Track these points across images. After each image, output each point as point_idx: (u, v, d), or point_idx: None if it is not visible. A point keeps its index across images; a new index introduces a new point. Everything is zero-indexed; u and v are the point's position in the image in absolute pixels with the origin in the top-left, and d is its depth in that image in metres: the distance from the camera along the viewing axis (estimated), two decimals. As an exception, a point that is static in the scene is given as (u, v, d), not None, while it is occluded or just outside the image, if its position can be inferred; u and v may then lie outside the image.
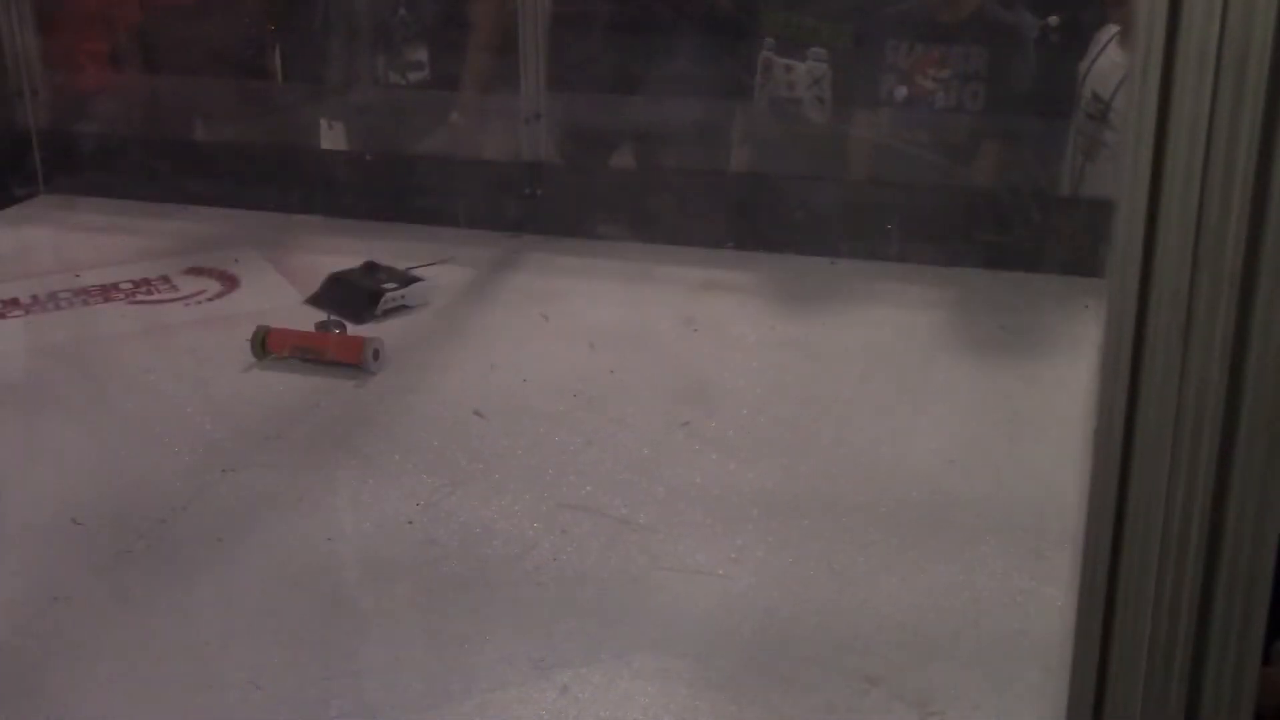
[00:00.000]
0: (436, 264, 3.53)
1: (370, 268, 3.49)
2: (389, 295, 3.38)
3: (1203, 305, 0.68)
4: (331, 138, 4.34)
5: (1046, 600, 2.18)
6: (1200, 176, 0.67)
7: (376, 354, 3.11)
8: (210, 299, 3.56)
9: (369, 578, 2.31)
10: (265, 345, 3.11)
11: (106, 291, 3.59)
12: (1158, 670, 0.74)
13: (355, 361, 3.09)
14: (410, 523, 2.46)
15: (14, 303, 3.52)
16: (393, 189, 4.05)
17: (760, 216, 3.82)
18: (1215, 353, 0.68)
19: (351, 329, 3.25)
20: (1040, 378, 3.01)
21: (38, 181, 4.41)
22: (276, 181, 4.19)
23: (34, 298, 3.55)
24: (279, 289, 3.62)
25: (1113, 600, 0.74)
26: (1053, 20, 3.62)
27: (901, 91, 3.64)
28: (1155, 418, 0.71)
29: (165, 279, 3.69)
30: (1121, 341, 0.70)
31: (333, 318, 3.30)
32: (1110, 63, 3.62)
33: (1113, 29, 3.69)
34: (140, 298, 3.57)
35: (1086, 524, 0.76)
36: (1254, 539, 0.70)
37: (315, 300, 3.44)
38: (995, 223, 3.54)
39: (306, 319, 3.33)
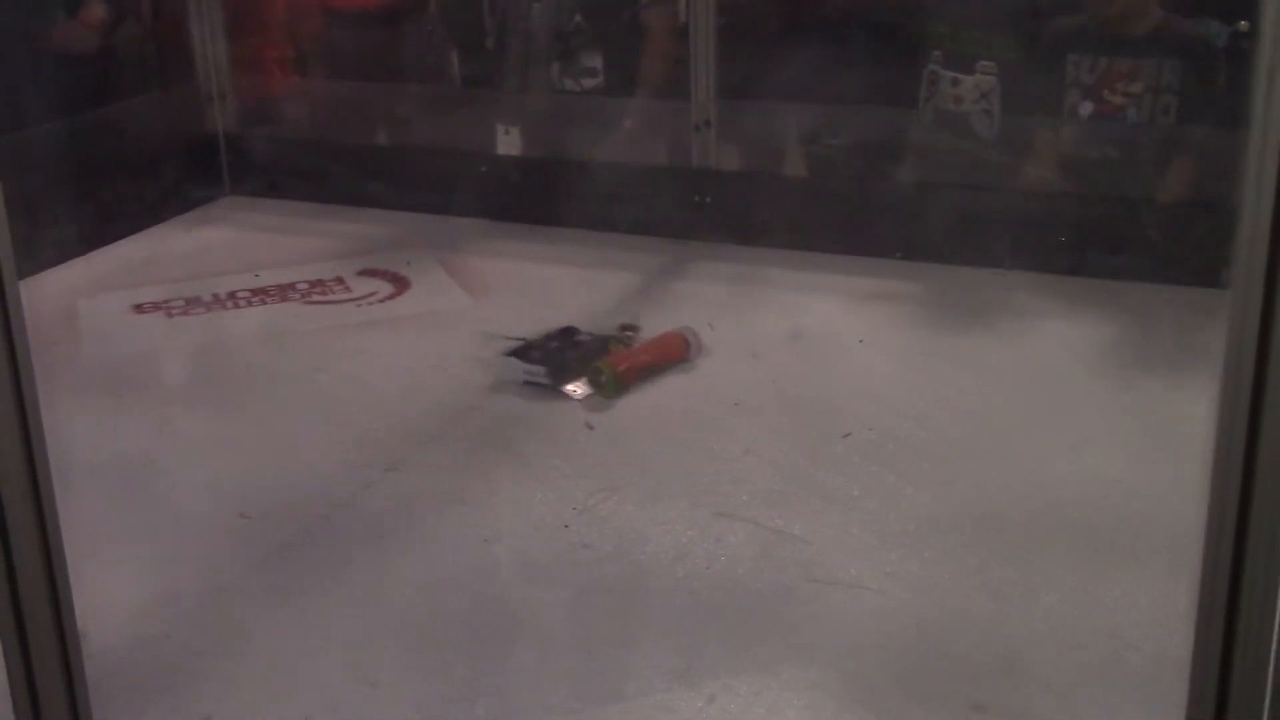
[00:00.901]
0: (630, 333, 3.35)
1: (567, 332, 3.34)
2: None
3: None
4: (507, 143, 4.40)
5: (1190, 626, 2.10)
6: None
7: (691, 344, 3.16)
8: (382, 300, 3.64)
9: (523, 580, 2.34)
10: (617, 384, 3.02)
11: (284, 291, 3.70)
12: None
13: (684, 358, 3.15)
14: (566, 526, 2.47)
15: (196, 301, 3.64)
16: (564, 194, 4.09)
17: (928, 227, 3.76)
18: None
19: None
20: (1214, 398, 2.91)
21: (223, 183, 4.55)
22: (452, 186, 4.25)
23: (214, 296, 3.66)
24: (449, 291, 3.68)
25: (1233, 622, 0.71)
26: (1243, 25, 3.49)
27: (1088, 107, 3.55)
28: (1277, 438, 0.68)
29: (340, 280, 3.78)
30: (1243, 361, 0.67)
31: (624, 328, 3.30)
32: None
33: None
34: (315, 298, 3.66)
35: (1206, 542, 0.73)
36: None
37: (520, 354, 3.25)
38: (1180, 237, 3.43)
39: (474, 323, 3.39)
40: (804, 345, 3.26)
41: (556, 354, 3.15)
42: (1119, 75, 3.53)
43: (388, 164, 4.43)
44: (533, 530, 2.47)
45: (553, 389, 3.03)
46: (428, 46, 4.44)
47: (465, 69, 4.42)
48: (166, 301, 3.64)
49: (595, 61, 4.11)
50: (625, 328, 3.28)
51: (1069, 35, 3.62)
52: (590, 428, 2.86)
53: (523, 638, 2.16)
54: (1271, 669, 0.73)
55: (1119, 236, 3.55)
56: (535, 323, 3.32)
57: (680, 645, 2.13)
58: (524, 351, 3.15)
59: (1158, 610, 2.16)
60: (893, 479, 2.62)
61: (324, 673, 2.08)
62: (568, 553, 2.40)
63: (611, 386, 3.01)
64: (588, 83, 4.14)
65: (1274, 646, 0.72)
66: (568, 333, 3.27)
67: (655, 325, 3.37)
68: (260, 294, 3.68)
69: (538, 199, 4.12)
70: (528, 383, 3.07)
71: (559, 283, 3.70)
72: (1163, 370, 3.04)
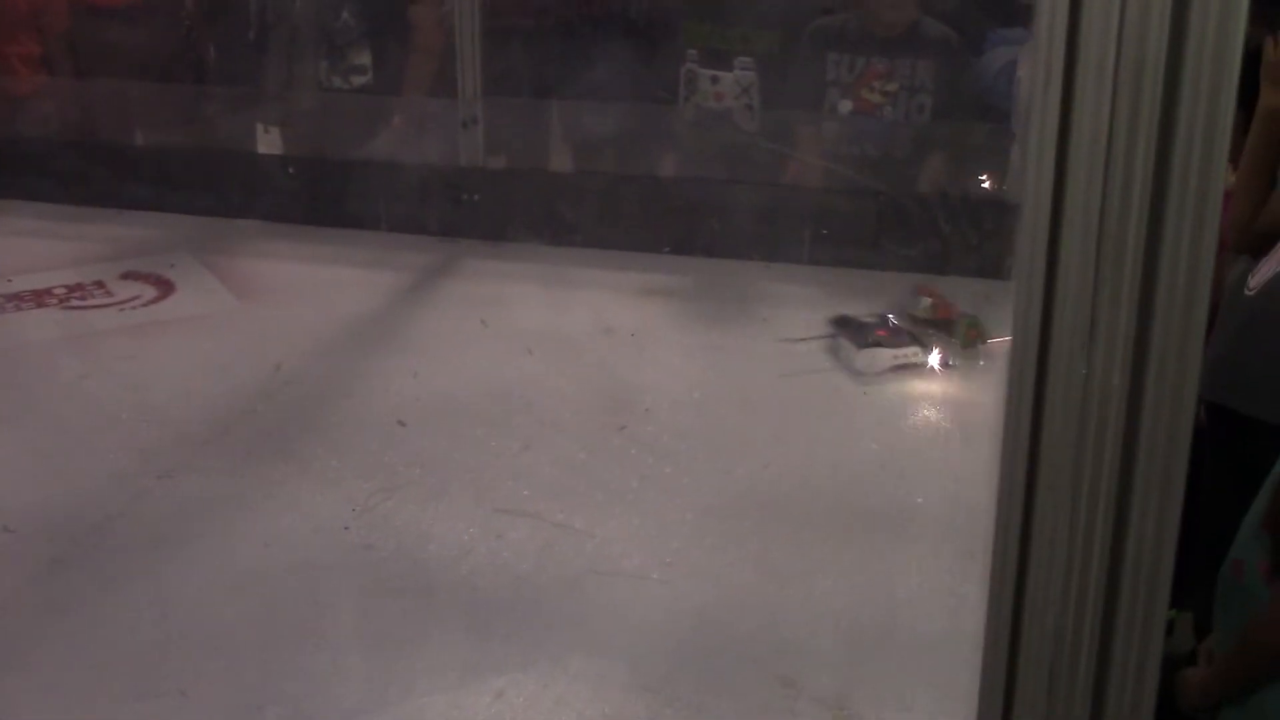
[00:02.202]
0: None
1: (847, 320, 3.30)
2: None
3: (1105, 310, 0.71)
4: (268, 142, 4.33)
5: (978, 601, 2.20)
6: (1101, 186, 0.70)
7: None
8: (146, 304, 3.54)
9: (307, 583, 2.31)
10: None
11: (40, 296, 3.57)
12: (1063, 672, 0.76)
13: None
14: (347, 528, 2.46)
15: (-56, 308, 3.49)
16: (330, 193, 4.05)
17: (694, 222, 3.84)
18: (1117, 359, 0.71)
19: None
20: (974, 387, 3.05)
21: (-31, 186, 4.36)
22: (212, 186, 4.17)
23: (-36, 303, 3.52)
24: (216, 293, 3.61)
25: (1020, 602, 0.76)
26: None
27: (846, 105, 3.68)
28: (1060, 424, 0.73)
29: (100, 284, 3.66)
30: (1027, 348, 0.72)
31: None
32: None
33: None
34: (74, 303, 3.54)
35: (996, 529, 0.78)
36: (1155, 541, 0.73)
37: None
38: (933, 228, 3.58)
39: (243, 326, 3.33)
40: (577, 340, 3.29)
41: (899, 333, 3.17)
42: (876, 74, 3.67)
43: (147, 164, 4.31)
44: (313, 533, 2.45)
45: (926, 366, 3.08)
46: (186, 43, 4.33)
47: (227, 66, 4.33)
48: (-91, 311, 3.48)
49: (364, 59, 4.07)
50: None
51: (828, 35, 3.74)
52: (402, 424, 2.84)
53: (309, 641, 2.14)
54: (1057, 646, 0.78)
55: (878, 228, 3.68)
56: (307, 325, 3.29)
57: (467, 642, 2.14)
58: (876, 339, 3.13)
59: (929, 584, 2.26)
60: (670, 470, 2.68)
61: (104, 689, 2.03)
62: (350, 554, 2.38)
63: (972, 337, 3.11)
64: (356, 80, 4.10)
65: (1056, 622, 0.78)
66: (847, 320, 3.26)
67: (425, 323, 3.37)
68: (14, 299, 3.54)
69: (306, 199, 4.07)
70: (898, 367, 3.08)
71: (328, 283, 3.67)
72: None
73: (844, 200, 3.76)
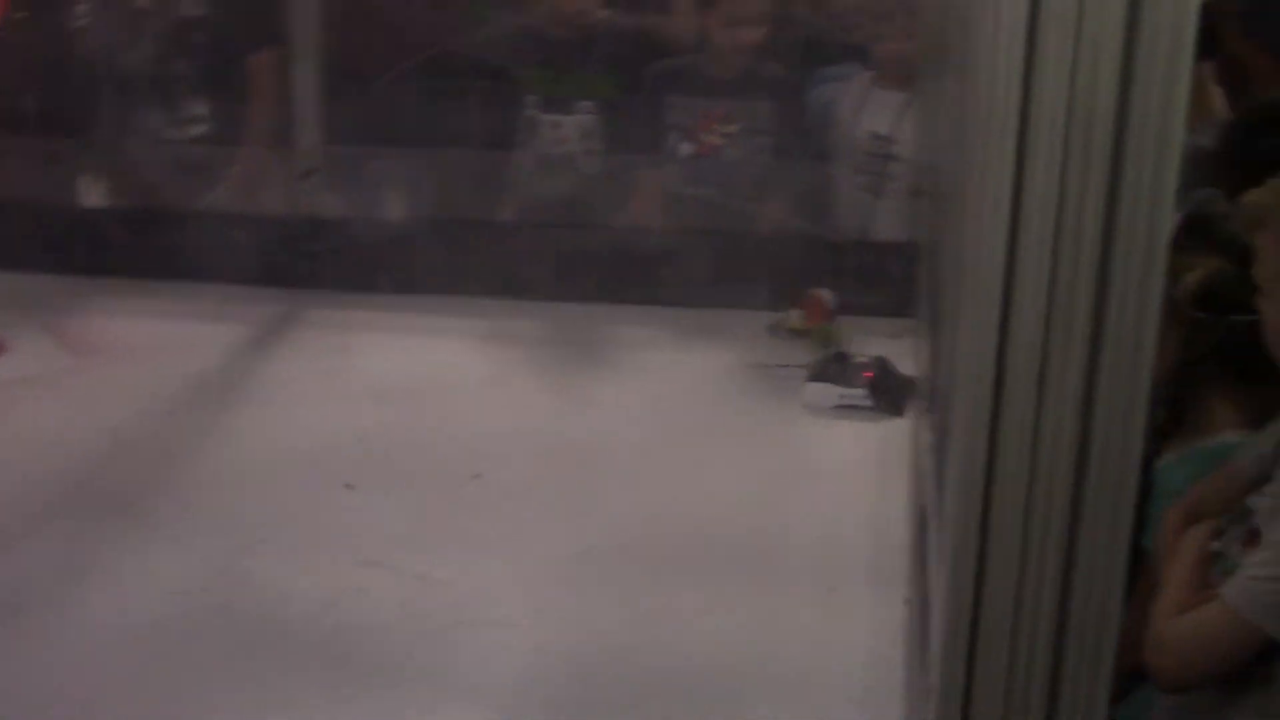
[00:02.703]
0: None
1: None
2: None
3: (1057, 352, 0.74)
4: (100, 194, 4.22)
5: (841, 634, 2.25)
6: (1054, 230, 0.73)
7: None
8: (-26, 365, 3.41)
9: (165, 648, 2.25)
10: None
11: None
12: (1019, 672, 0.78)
13: None
14: (204, 589, 2.40)
15: None
16: (167, 246, 3.95)
17: (539, 266, 3.84)
18: (1069, 399, 0.74)
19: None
20: (824, 422, 3.10)
21: None
22: (42, 241, 4.03)
23: None
24: (49, 353, 3.49)
25: (978, 614, 0.78)
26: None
27: (687, 147, 3.73)
28: (1014, 454, 0.75)
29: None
30: (981, 394, 0.74)
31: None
32: (880, 102, 3.77)
33: (865, 71, 3.85)
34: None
35: (954, 548, 0.80)
36: (1107, 549, 0.76)
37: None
38: (779, 266, 3.64)
39: (83, 384, 3.24)
40: (427, 389, 3.27)
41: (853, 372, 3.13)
42: (715, 117, 3.73)
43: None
44: (170, 595, 2.39)
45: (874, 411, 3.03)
46: (9, 92, 4.20)
47: (56, 116, 4.20)
48: None
49: (201, 109, 4.00)
50: None
51: (668, 78, 3.79)
52: (350, 488, 2.79)
53: (171, 705, 2.09)
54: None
55: (722, 268, 3.72)
56: (148, 383, 3.22)
57: (334, 699, 2.11)
58: (828, 374, 3.10)
59: (799, 621, 2.29)
60: (530, 515, 2.67)
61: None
62: (210, 616, 2.33)
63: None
64: (193, 130, 4.02)
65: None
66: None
67: (272, 375, 3.32)
68: None
69: (140, 252, 3.96)
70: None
71: (168, 338, 3.57)
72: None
73: (687, 240, 3.80)
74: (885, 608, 2.29)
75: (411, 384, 3.27)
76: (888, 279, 3.57)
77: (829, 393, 3.12)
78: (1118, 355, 0.74)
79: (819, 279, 3.57)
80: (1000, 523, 0.78)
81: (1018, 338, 0.75)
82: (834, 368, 3.19)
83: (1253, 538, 1.93)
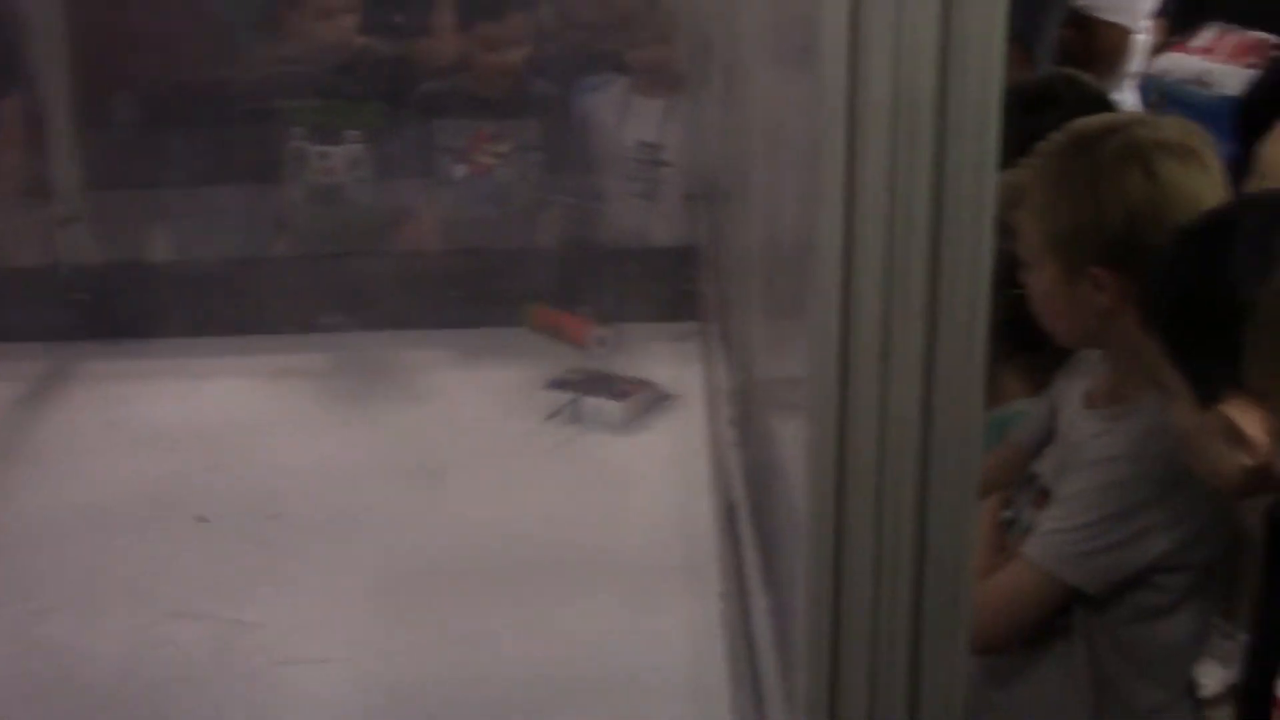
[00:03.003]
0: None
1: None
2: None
3: (898, 330, 0.77)
4: None
5: (662, 634, 2.28)
6: (888, 212, 0.76)
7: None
8: None
9: (-39, 725, 2.16)
10: None
11: None
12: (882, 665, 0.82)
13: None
14: (-3, 658, 2.31)
15: None
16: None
17: (319, 298, 3.79)
18: (912, 370, 0.77)
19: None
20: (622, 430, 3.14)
21: None
22: None
23: None
24: None
25: (838, 606, 0.81)
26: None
27: (460, 169, 3.74)
28: (861, 439, 0.79)
29: None
30: (827, 372, 0.77)
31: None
32: (641, 110, 3.84)
33: (623, 80, 3.91)
34: None
35: (807, 555, 0.82)
36: (953, 537, 0.79)
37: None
38: (561, 278, 3.67)
39: None
40: (215, 431, 3.19)
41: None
42: (485, 137, 3.74)
43: None
44: (-41, 671, 2.29)
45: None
46: None
47: None
48: None
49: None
50: None
51: (434, 101, 3.79)
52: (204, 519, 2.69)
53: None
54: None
55: (502, 286, 3.73)
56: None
57: (153, 757, 2.05)
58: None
59: (614, 627, 2.31)
60: (334, 551, 2.63)
61: None
62: (5, 686, 2.24)
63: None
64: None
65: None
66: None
67: (48, 432, 3.20)
68: None
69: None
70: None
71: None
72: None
73: (465, 261, 3.80)
74: (701, 603, 2.33)
75: (200, 428, 3.18)
76: (667, 284, 3.63)
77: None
78: (953, 332, 0.78)
79: (595, 288, 3.61)
80: (854, 500, 0.82)
81: (859, 328, 0.79)
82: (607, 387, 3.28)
83: (1042, 498, 2.04)
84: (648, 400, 3.23)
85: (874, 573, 0.80)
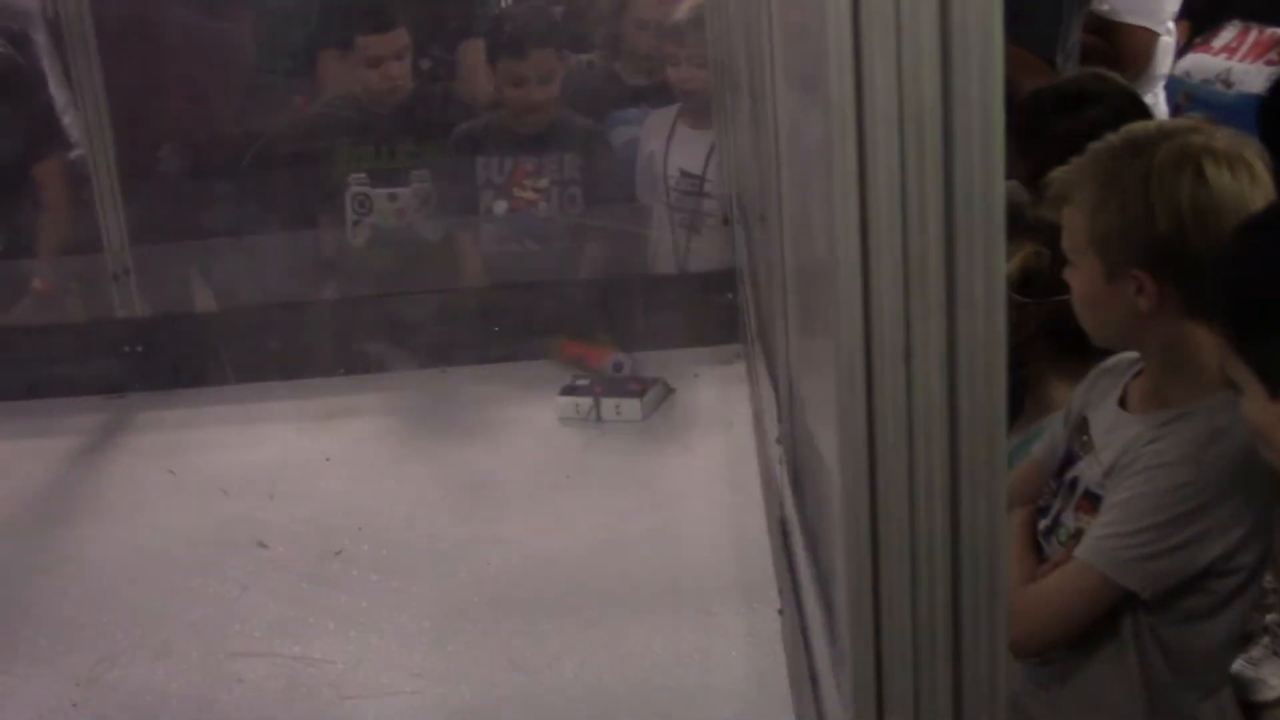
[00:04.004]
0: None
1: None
2: None
3: (919, 331, 0.81)
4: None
5: (721, 652, 2.30)
6: (900, 217, 0.80)
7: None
8: None
9: (43, 770, 2.21)
10: None
11: None
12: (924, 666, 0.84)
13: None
14: (75, 705, 2.36)
15: None
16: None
17: (371, 339, 3.86)
18: (934, 368, 0.80)
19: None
20: (669, 450, 3.17)
21: None
22: None
23: None
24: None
25: (879, 609, 0.84)
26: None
27: (501, 205, 3.80)
28: (891, 436, 0.82)
29: None
30: (854, 375, 0.81)
31: None
32: (687, 140, 3.88)
33: (672, 109, 3.95)
34: None
35: (845, 546, 0.85)
36: (989, 526, 0.82)
37: None
38: (605, 310, 3.72)
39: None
40: (272, 474, 3.25)
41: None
42: (525, 172, 3.80)
43: None
44: (37, 718, 2.34)
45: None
46: None
47: None
48: None
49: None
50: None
51: (473, 139, 3.85)
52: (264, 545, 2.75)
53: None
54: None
55: (548, 318, 3.78)
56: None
57: (229, 793, 2.09)
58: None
59: (675, 648, 2.33)
60: (396, 583, 2.68)
61: None
62: (83, 730, 2.29)
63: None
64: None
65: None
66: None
67: (110, 480, 3.27)
68: None
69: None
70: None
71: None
72: (621, 432, 3.27)
73: (512, 296, 3.85)
74: (761, 619, 2.36)
75: (258, 472, 3.25)
76: (710, 308, 3.68)
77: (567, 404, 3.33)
78: (972, 339, 0.82)
79: (637, 316, 3.66)
80: (886, 500, 0.85)
81: (881, 332, 0.82)
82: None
83: (1087, 503, 2.05)
84: (660, 394, 3.33)
85: (910, 565, 0.83)
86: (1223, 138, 2.00)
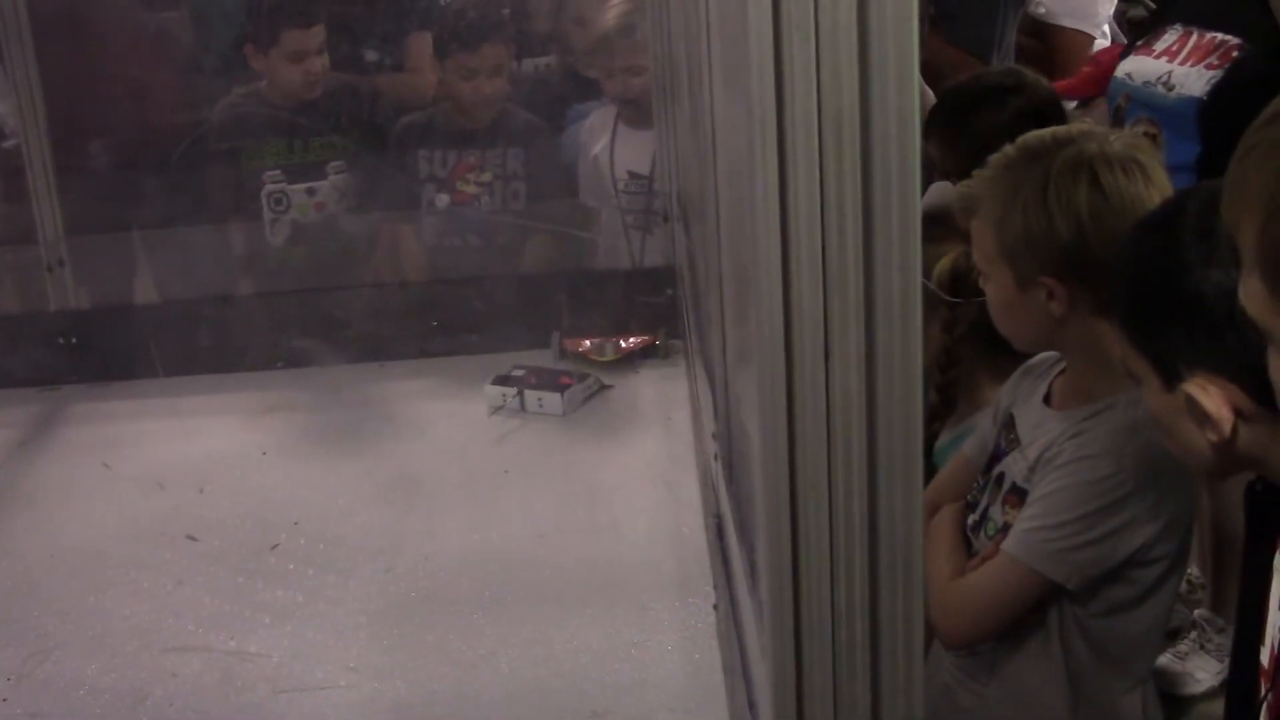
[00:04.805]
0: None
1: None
2: None
3: (837, 330, 0.83)
4: None
5: (656, 647, 2.32)
6: (819, 220, 0.82)
7: None
8: None
9: (-27, 766, 2.20)
10: None
11: None
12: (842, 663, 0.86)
13: None
14: (4, 700, 2.34)
15: None
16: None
17: (304, 332, 3.84)
18: (852, 367, 0.82)
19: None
20: (609, 446, 3.18)
21: None
22: None
23: None
24: None
25: (798, 600, 0.86)
26: None
27: (443, 199, 3.80)
28: (811, 433, 0.84)
29: None
30: (775, 373, 0.82)
31: None
32: (630, 141, 3.90)
33: (611, 111, 3.97)
34: None
35: (765, 540, 0.87)
36: (905, 521, 0.84)
37: None
38: (543, 305, 3.72)
39: None
40: (207, 467, 3.23)
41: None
42: (468, 166, 3.81)
43: None
44: (-33, 714, 2.32)
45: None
46: None
47: None
48: None
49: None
50: None
51: (415, 132, 3.85)
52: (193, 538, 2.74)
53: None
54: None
55: (487, 313, 3.78)
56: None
57: (162, 788, 2.08)
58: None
59: (611, 643, 2.35)
60: (333, 578, 2.68)
61: None
62: (15, 726, 2.28)
63: None
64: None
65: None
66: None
67: (42, 475, 3.24)
68: None
69: None
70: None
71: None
72: (556, 429, 3.28)
73: (450, 291, 3.85)
74: (696, 616, 2.38)
75: (193, 465, 3.23)
76: (650, 305, 3.69)
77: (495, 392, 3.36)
78: (890, 338, 0.84)
79: (581, 312, 3.67)
80: (806, 508, 0.87)
81: (801, 338, 0.84)
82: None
83: (1014, 498, 2.09)
84: (587, 390, 3.34)
85: (829, 558, 0.85)
86: (1117, 141, 2.05)
